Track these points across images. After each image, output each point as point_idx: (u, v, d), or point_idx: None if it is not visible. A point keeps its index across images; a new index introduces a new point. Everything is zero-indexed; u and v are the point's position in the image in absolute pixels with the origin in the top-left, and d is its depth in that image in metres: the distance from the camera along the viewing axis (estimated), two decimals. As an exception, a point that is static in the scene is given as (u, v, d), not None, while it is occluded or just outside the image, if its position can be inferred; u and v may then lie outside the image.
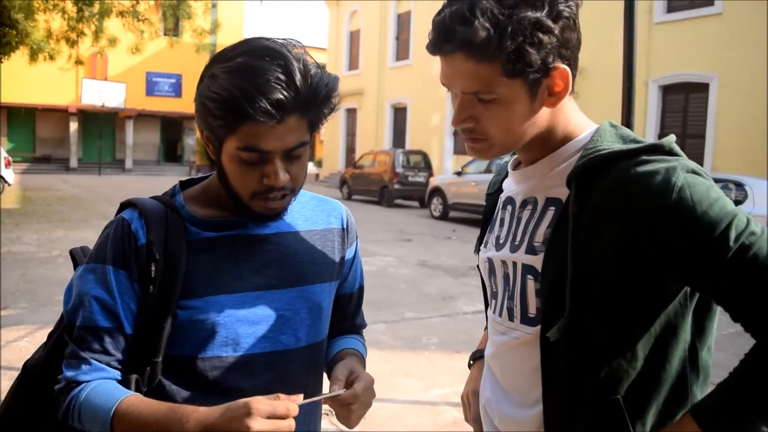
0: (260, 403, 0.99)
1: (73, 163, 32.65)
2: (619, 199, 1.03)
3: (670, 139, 1.09)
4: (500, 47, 1.05)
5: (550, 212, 1.16)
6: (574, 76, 1.14)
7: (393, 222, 16.01)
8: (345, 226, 1.41)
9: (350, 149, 29.56)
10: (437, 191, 17.48)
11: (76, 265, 1.27)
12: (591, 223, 1.05)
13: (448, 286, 8.52)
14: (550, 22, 1.05)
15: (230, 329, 1.19)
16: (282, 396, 1.03)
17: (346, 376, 1.21)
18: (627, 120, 3.97)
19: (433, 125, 23.17)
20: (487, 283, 1.34)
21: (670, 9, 15.58)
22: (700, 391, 1.12)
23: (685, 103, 15.48)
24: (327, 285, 1.33)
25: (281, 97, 1.09)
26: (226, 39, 33.95)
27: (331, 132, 31.06)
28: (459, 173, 17.03)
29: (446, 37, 1.09)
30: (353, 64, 29.74)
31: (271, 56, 1.11)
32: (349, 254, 1.42)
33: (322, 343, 1.35)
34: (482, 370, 1.40)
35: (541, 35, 1.05)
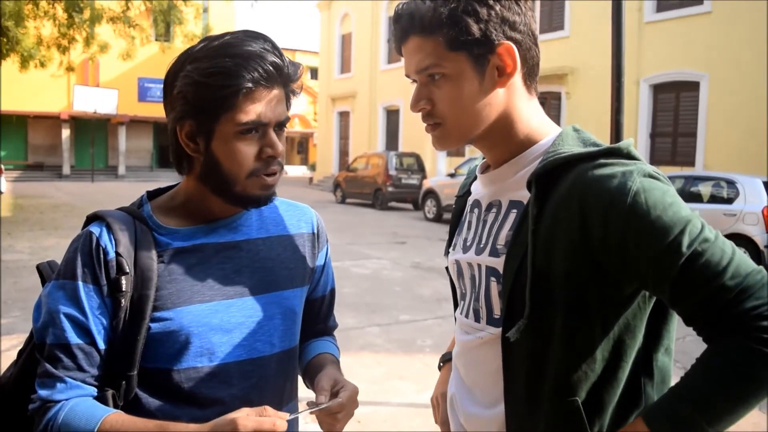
0: (247, 420, 0.99)
1: (66, 170, 32.52)
2: (576, 201, 1.04)
3: (628, 143, 1.10)
4: (439, 18, 1.11)
5: (513, 215, 1.18)
6: (531, 69, 1.18)
7: (387, 224, 16.02)
8: (315, 231, 1.42)
9: (343, 152, 29.55)
10: (431, 193, 17.50)
11: (43, 281, 1.25)
12: (549, 225, 1.07)
13: (443, 288, 8.52)
14: None
15: (204, 339, 1.18)
16: (269, 409, 1.03)
17: (330, 386, 1.20)
18: (616, 119, 3.99)
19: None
20: (456, 285, 1.36)
21: (660, 8, 15.64)
22: (657, 392, 1.12)
23: (676, 102, 15.53)
24: (299, 290, 1.34)
25: (276, 60, 1.16)
26: (217, 44, 33.92)
27: (324, 135, 31.06)
28: (452, 175, 17.06)
29: (400, 26, 1.17)
30: (345, 67, 29.75)
31: (251, 35, 1.17)
32: (320, 258, 1.42)
33: (296, 348, 1.35)
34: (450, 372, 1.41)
35: (477, 6, 1.11)
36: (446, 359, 1.57)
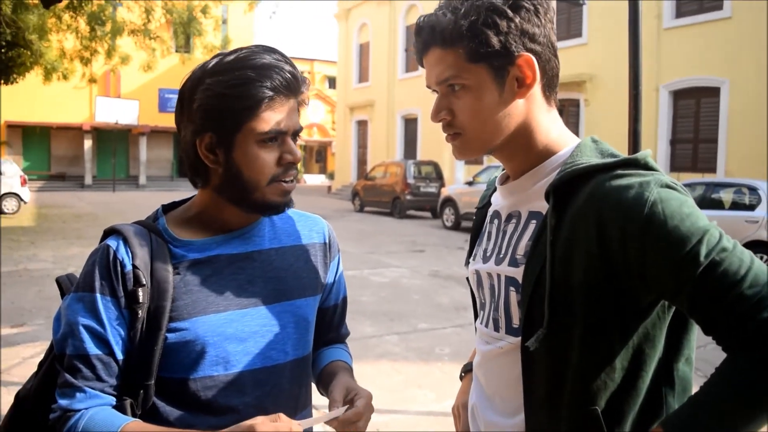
0: (263, 425, 1.02)
1: (88, 180, 32.95)
2: (593, 212, 1.05)
3: (645, 153, 1.10)
4: (460, 30, 1.13)
5: (532, 225, 1.19)
6: (551, 81, 1.20)
7: (405, 233, 16.03)
8: (327, 241, 1.44)
9: (362, 161, 29.64)
10: (449, 201, 17.49)
11: (63, 294, 1.28)
12: (568, 235, 1.07)
13: (461, 296, 8.51)
14: (507, 9, 1.13)
15: (220, 348, 1.21)
16: (283, 417, 1.05)
17: (343, 396, 1.23)
18: (634, 126, 3.96)
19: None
20: (476, 295, 1.36)
21: (679, 14, 15.55)
22: (678, 401, 1.12)
23: (696, 108, 15.41)
24: (312, 299, 1.36)
25: (292, 70, 1.22)
26: (236, 54, 34.22)
27: (343, 144, 31.18)
28: (470, 183, 17.03)
29: (422, 38, 1.20)
30: (363, 76, 29.88)
31: (263, 48, 1.23)
32: (332, 267, 1.45)
33: (309, 356, 1.37)
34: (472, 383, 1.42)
35: (497, 18, 1.12)
36: (467, 369, 1.58)
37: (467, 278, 1.41)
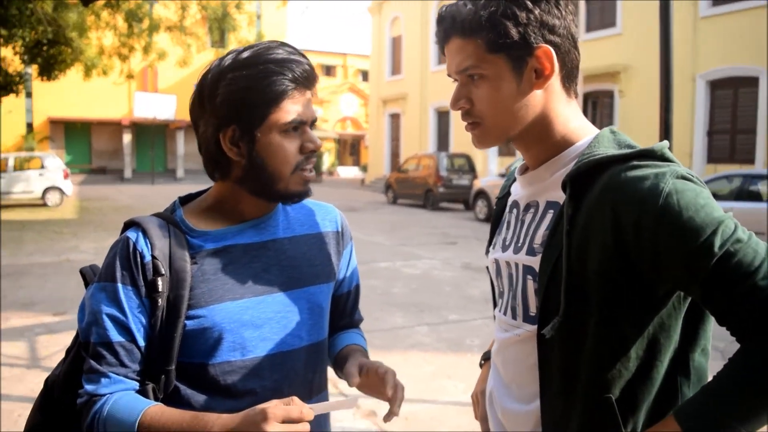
0: (276, 408, 1.06)
1: (127, 173, 33.62)
2: (609, 203, 1.06)
3: (662, 145, 1.11)
4: (479, 21, 1.16)
5: (549, 215, 1.21)
6: (570, 72, 1.21)
7: (437, 225, 16.04)
8: (340, 229, 1.50)
9: (395, 153, 29.66)
10: (482, 194, 17.43)
11: (86, 284, 1.33)
12: (583, 225, 1.09)
13: (492, 288, 8.49)
14: (527, 1, 1.15)
15: (236, 334, 1.25)
16: (296, 400, 1.09)
17: (357, 370, 1.29)
18: (666, 117, 3.92)
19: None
20: (495, 284, 1.39)
21: (716, 2, 15.21)
22: (693, 392, 1.12)
23: (734, 98, 15.08)
24: (325, 286, 1.41)
25: (308, 63, 1.28)
26: (270, 48, 34.41)
27: (376, 137, 31.22)
28: (503, 175, 16.93)
29: (443, 28, 1.23)
30: (396, 69, 29.86)
31: (276, 44, 1.29)
32: (345, 255, 1.50)
33: (324, 342, 1.42)
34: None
35: (516, 10, 1.15)
36: (487, 357, 1.61)
37: (487, 267, 1.43)
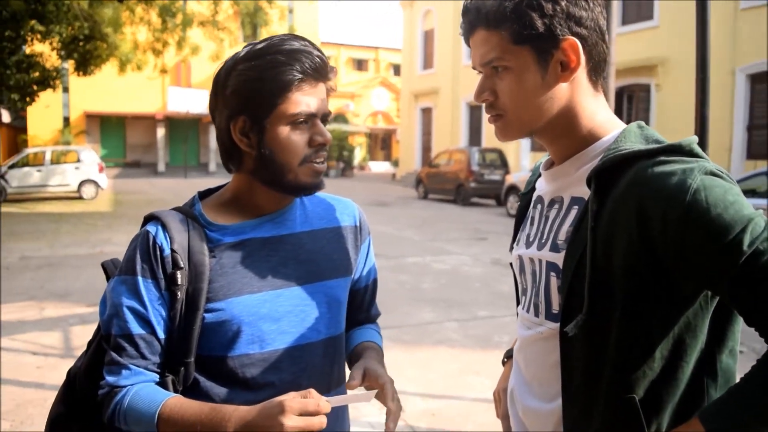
0: (293, 400, 1.07)
1: (161, 167, 34.13)
2: (634, 199, 1.03)
3: (691, 140, 1.08)
4: (504, 12, 1.13)
5: (574, 211, 1.18)
6: (597, 66, 1.18)
7: (468, 220, 15.96)
8: (358, 224, 1.48)
9: (426, 148, 29.59)
10: (513, 189, 17.29)
11: (108, 277, 1.34)
12: (608, 222, 1.06)
13: (522, 284, 8.42)
14: None
15: (255, 327, 1.26)
16: (313, 392, 1.09)
17: (361, 377, 1.27)
18: (702, 111, 3.84)
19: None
20: (518, 280, 1.37)
21: (757, -7, 14.84)
22: (719, 394, 1.09)
23: (775, 92, 14.71)
24: (343, 280, 1.41)
25: (320, 55, 1.27)
26: (302, 43, 34.65)
27: (407, 131, 31.19)
28: (535, 170, 16.77)
29: (468, 19, 1.21)
30: (428, 63, 29.76)
31: (292, 36, 1.28)
32: (362, 250, 1.49)
33: (342, 335, 1.42)
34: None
35: (542, 1, 1.12)
36: (509, 355, 1.59)
37: (510, 263, 1.41)
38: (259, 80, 1.23)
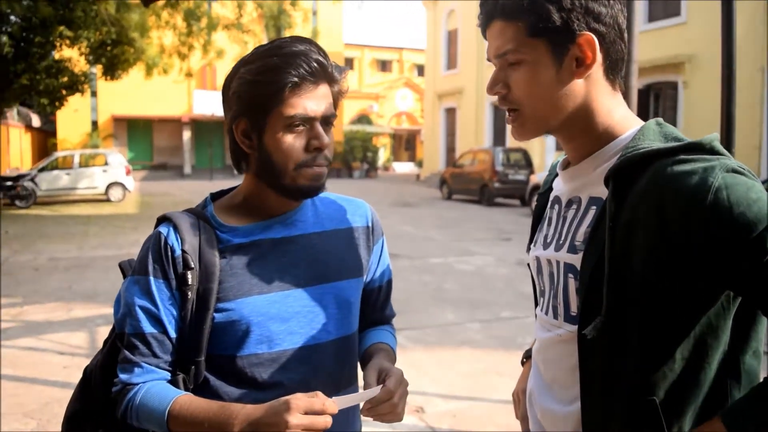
0: (299, 400, 1.08)
1: (187, 169, 34.49)
2: (654, 199, 1.01)
3: (712, 137, 1.05)
4: (521, 4, 1.11)
5: (592, 211, 1.15)
6: (615, 64, 1.16)
7: (492, 221, 15.87)
8: (370, 225, 1.48)
9: (450, 149, 29.52)
10: (538, 189, 17.13)
11: (124, 277, 1.37)
12: (627, 222, 1.04)
13: (547, 285, 8.35)
14: None
15: (264, 328, 1.27)
16: (320, 394, 1.10)
17: (376, 378, 1.26)
18: (728, 109, 3.76)
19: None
20: (536, 281, 1.34)
21: (788, -12, 14.55)
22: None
23: (807, 89, 14.40)
24: (354, 281, 1.40)
25: (320, 58, 1.26)
26: (325, 44, 34.90)
27: (431, 132, 31.15)
28: (560, 170, 16.64)
29: (485, 11, 1.19)
30: (452, 63, 29.69)
31: (298, 39, 1.29)
32: (375, 251, 1.49)
33: (353, 336, 1.41)
34: None
35: None
36: (528, 355, 1.57)
37: (528, 264, 1.39)
38: (255, 83, 1.24)
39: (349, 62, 43.89)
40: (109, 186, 20.50)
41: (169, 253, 1.26)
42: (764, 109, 14.76)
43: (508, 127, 1.25)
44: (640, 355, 1.06)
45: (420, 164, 36.26)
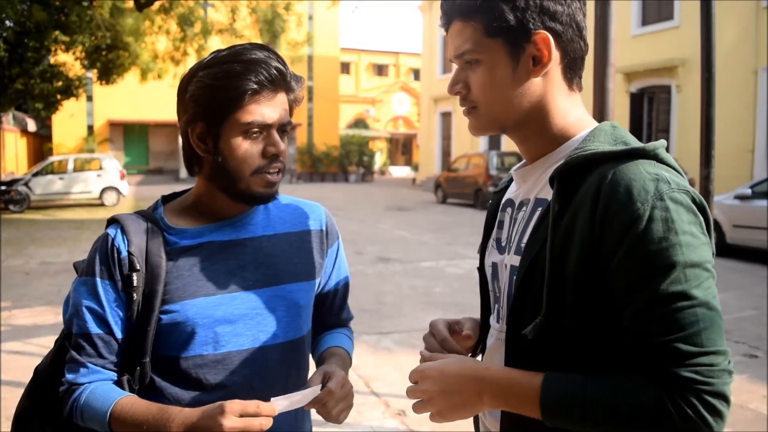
0: (234, 402, 1.10)
1: (183, 174, 34.40)
2: (592, 201, 1.01)
3: (657, 144, 1.05)
4: (476, 4, 1.12)
5: (538, 213, 1.15)
6: (573, 63, 1.16)
7: (486, 225, 15.83)
8: (324, 228, 1.48)
9: (446, 153, 29.54)
10: (532, 193, 17.16)
11: None
12: (568, 223, 1.04)
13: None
14: None
15: (209, 329, 1.28)
16: (255, 401, 1.11)
17: (320, 380, 1.26)
18: (707, 112, 3.78)
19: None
20: (489, 287, 1.31)
21: (780, -8, 14.59)
22: None
23: (798, 92, 14.42)
24: (305, 284, 1.41)
25: (279, 67, 1.28)
26: (321, 48, 34.71)
27: (427, 136, 31.17)
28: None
29: (444, 11, 1.20)
30: (447, 67, 29.69)
31: (257, 46, 1.30)
32: (330, 254, 1.49)
33: (302, 339, 1.41)
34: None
35: None
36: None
37: (478, 268, 1.37)
38: (214, 88, 1.25)
39: (346, 66, 43.89)
40: (103, 190, 20.54)
41: (116, 255, 1.28)
42: (757, 112, 14.79)
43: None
44: (570, 357, 1.05)
45: (416, 168, 36.27)
